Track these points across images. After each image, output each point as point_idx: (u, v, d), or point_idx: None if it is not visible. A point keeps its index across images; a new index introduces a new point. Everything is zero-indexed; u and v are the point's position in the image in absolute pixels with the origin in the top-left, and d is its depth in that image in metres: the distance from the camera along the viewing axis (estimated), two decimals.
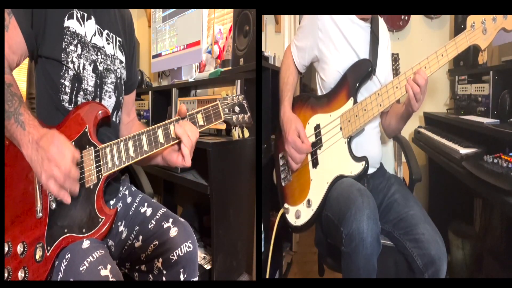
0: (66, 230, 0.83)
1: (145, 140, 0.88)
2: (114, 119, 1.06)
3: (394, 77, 1.12)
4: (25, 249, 0.84)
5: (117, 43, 1.08)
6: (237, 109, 0.93)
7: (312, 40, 1.23)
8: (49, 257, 0.82)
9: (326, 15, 1.20)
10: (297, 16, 2.36)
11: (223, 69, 1.80)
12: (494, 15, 0.99)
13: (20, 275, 0.82)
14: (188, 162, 0.88)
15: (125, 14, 1.15)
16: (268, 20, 2.37)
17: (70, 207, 0.84)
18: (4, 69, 0.84)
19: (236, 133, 0.95)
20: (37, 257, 0.83)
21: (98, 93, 1.00)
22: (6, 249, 0.85)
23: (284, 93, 1.28)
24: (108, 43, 1.04)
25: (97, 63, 1.00)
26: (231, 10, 1.94)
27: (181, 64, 2.29)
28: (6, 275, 0.83)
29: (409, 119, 1.19)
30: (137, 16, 2.94)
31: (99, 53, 1.00)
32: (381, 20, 1.28)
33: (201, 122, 0.90)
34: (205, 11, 2.18)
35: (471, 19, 1.02)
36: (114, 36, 1.07)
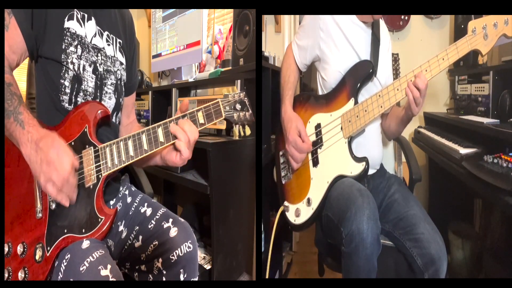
0: (66, 230, 0.83)
1: (145, 139, 0.88)
2: (113, 120, 1.06)
3: (395, 78, 1.12)
4: (25, 249, 0.84)
5: (118, 44, 1.08)
6: (238, 106, 0.92)
7: (314, 39, 1.23)
8: (49, 258, 0.82)
9: (328, 15, 1.20)
10: (297, 16, 2.36)
11: (223, 69, 1.80)
12: (495, 21, 0.99)
13: (20, 275, 0.82)
14: (185, 154, 0.86)
15: (126, 16, 1.14)
16: (268, 20, 2.37)
17: (70, 207, 0.84)
18: (4, 69, 0.84)
19: (237, 131, 0.94)
20: (37, 257, 0.82)
21: (98, 94, 0.99)
22: (6, 249, 0.85)
23: (285, 92, 1.28)
24: (109, 45, 1.04)
25: (97, 64, 0.99)
26: (231, 10, 1.94)
27: (181, 64, 2.29)
28: (6, 275, 0.83)
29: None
30: (137, 16, 2.93)
31: (99, 54, 1.00)
32: (382, 22, 1.28)
33: (201, 120, 0.89)
34: (205, 11, 2.18)
35: (472, 24, 1.02)
36: (114, 37, 1.07)
